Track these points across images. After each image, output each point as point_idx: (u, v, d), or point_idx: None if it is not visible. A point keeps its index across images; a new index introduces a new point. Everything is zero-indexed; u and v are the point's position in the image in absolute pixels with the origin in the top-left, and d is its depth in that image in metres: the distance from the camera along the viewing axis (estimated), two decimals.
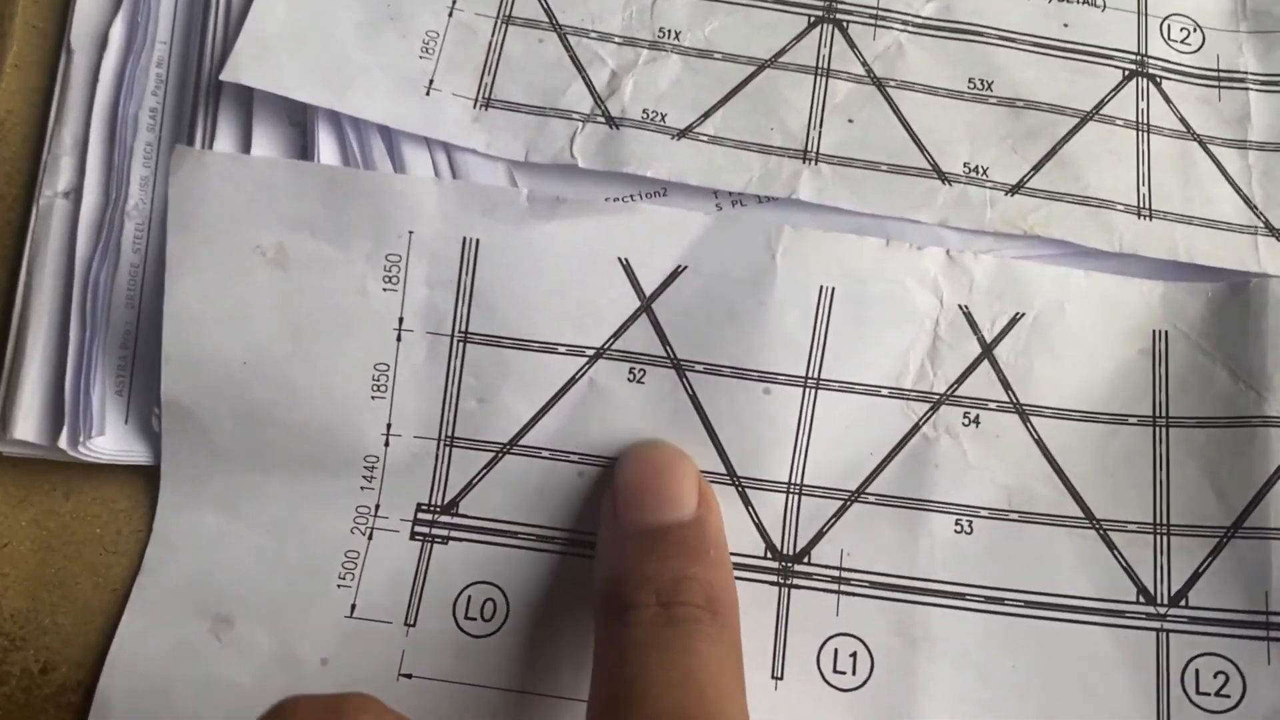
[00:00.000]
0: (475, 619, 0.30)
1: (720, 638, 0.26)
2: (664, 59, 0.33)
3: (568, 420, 0.31)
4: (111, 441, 0.31)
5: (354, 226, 0.31)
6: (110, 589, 0.31)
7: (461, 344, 0.31)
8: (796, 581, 0.30)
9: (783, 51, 0.33)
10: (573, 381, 0.31)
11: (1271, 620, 0.29)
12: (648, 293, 0.31)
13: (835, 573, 0.30)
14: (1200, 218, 0.32)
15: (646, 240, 0.31)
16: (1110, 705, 0.29)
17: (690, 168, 0.32)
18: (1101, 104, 0.33)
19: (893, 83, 0.33)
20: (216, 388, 0.30)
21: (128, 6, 0.34)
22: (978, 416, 0.31)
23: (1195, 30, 0.35)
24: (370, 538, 0.31)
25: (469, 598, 0.30)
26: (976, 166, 0.32)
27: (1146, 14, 0.35)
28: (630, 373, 0.31)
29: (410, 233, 0.31)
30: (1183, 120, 0.34)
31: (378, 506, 0.31)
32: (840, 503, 0.30)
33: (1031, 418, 0.31)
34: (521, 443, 0.31)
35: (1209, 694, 0.29)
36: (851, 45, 0.34)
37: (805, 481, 0.30)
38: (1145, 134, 0.33)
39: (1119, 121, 0.33)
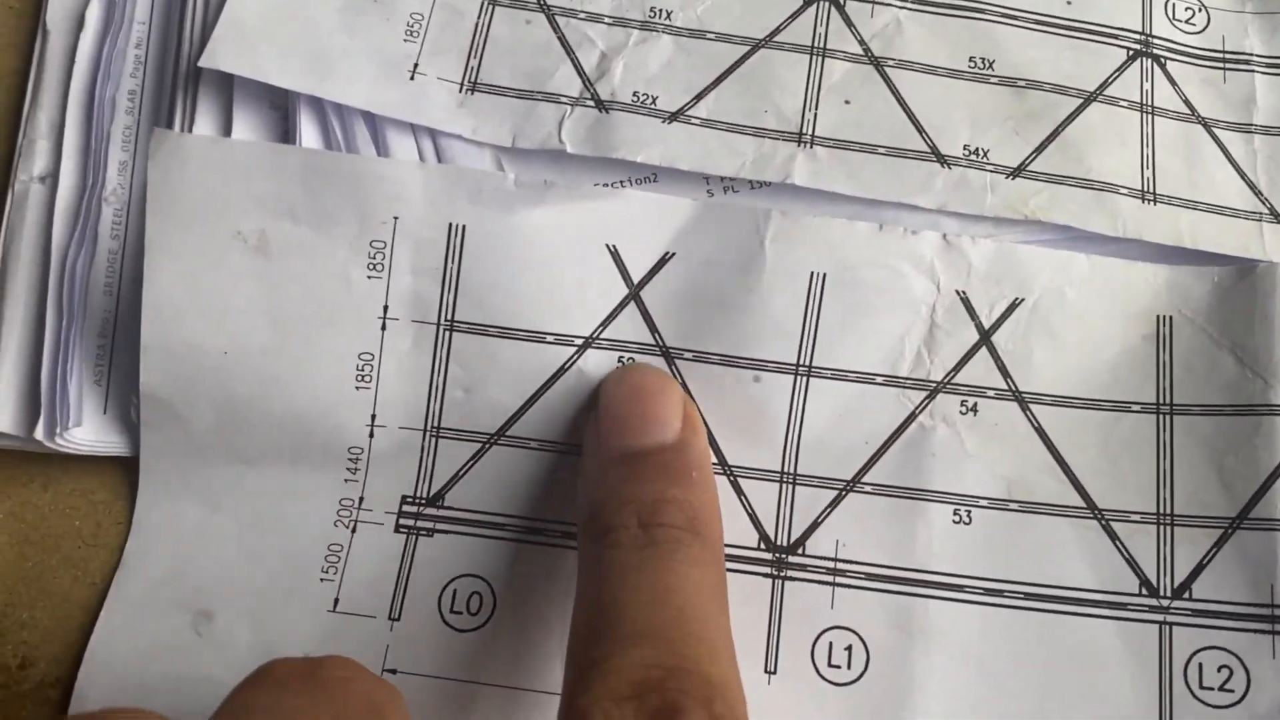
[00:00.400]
0: (461, 612, 0.30)
1: (702, 559, 0.27)
2: (655, 39, 0.33)
3: (556, 410, 0.31)
4: (89, 432, 0.31)
5: (337, 212, 0.31)
6: (89, 582, 0.31)
7: (448, 333, 0.31)
8: (790, 573, 0.30)
9: (777, 30, 0.34)
10: (561, 371, 0.31)
11: (1277, 613, 0.29)
12: (636, 280, 0.31)
13: (830, 564, 0.30)
14: (1205, 203, 0.32)
15: (634, 227, 0.31)
16: (1112, 700, 0.29)
17: (682, 152, 0.32)
18: (1105, 85, 0.33)
19: (890, 62, 0.33)
20: (196, 377, 0.30)
21: None
22: (976, 405, 0.31)
23: (1200, 10, 0.35)
24: (354, 531, 0.31)
25: (455, 591, 0.30)
26: (977, 149, 0.32)
27: None
28: (619, 361, 0.31)
29: (395, 218, 0.31)
30: (1187, 103, 0.34)
31: (362, 499, 0.31)
32: (835, 492, 0.30)
33: (1031, 405, 0.31)
34: (509, 433, 0.31)
35: (1213, 688, 0.29)
36: (849, 23, 0.34)
37: (799, 471, 0.31)
38: (1149, 116, 0.33)
39: (1123, 103, 0.33)
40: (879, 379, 0.31)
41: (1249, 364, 0.30)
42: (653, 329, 0.31)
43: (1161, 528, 0.30)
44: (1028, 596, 0.30)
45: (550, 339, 0.31)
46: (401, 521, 0.31)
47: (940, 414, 0.31)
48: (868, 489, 0.31)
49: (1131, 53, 0.34)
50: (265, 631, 0.30)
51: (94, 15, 0.34)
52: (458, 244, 0.31)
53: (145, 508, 0.31)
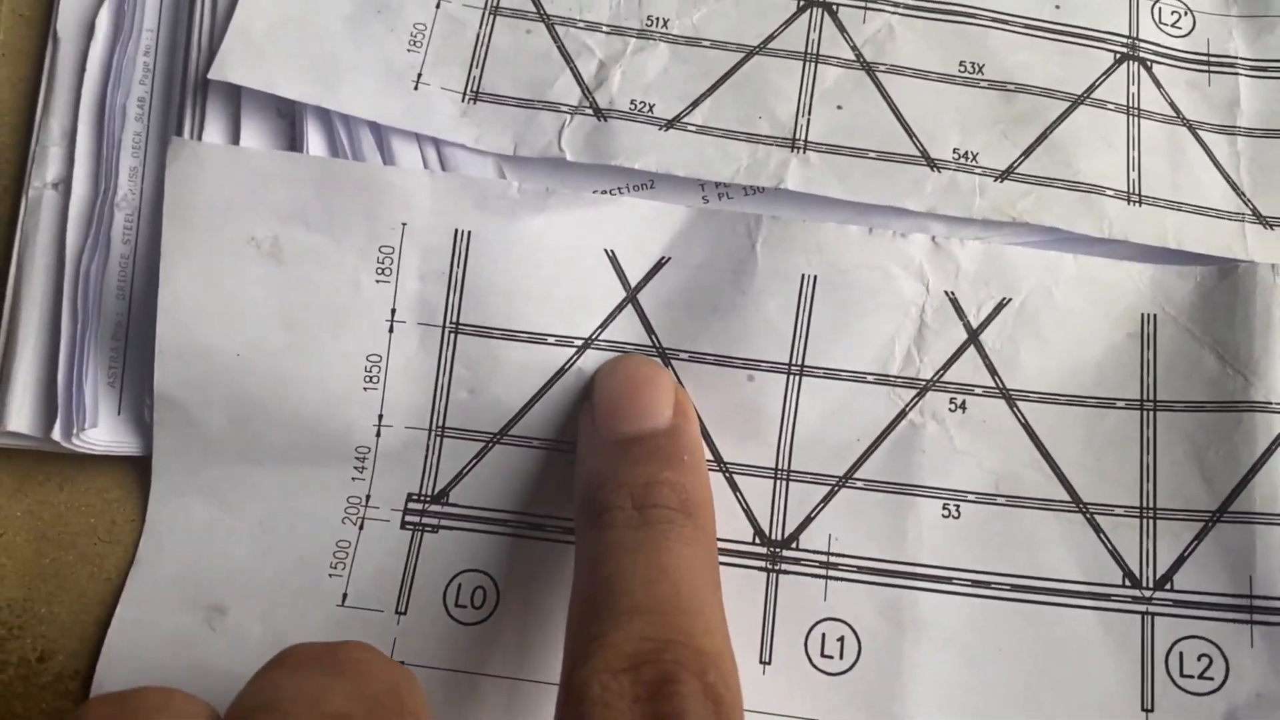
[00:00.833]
0: (465, 606, 0.32)
1: (694, 539, 0.28)
2: (652, 48, 0.35)
3: (558, 410, 0.33)
4: (104, 433, 0.33)
5: (347, 218, 0.32)
6: (105, 578, 0.33)
7: (453, 335, 0.33)
8: (785, 567, 0.32)
9: (772, 37, 0.35)
10: (562, 372, 0.33)
11: (1255, 604, 0.31)
12: (633, 284, 0.33)
13: (823, 558, 0.32)
14: (1189, 204, 0.34)
15: (631, 232, 0.33)
16: (1095, 688, 0.31)
17: (677, 159, 0.33)
18: (1092, 88, 0.35)
19: (882, 67, 0.35)
20: (209, 379, 0.32)
21: None
22: (964, 402, 0.32)
23: (1186, 14, 0.36)
24: (361, 527, 0.32)
25: (459, 586, 0.32)
26: (966, 152, 0.34)
27: None
28: None
29: (403, 225, 0.32)
30: (1173, 105, 0.35)
31: (369, 497, 0.33)
32: (828, 488, 0.32)
33: (1018, 402, 0.32)
34: (512, 433, 0.33)
35: (1193, 676, 0.31)
36: (841, 29, 0.35)
37: (792, 467, 0.32)
38: (1136, 118, 0.35)
39: (1110, 106, 0.35)
40: (870, 378, 0.33)
41: (1230, 362, 0.32)
42: (649, 330, 0.33)
43: (1144, 521, 0.32)
44: (1014, 588, 0.32)
45: (551, 340, 0.33)
46: (407, 518, 0.33)
47: (930, 411, 0.32)
48: (859, 485, 0.32)
49: (1118, 56, 0.35)
50: (276, 625, 0.32)
51: (104, 23, 0.35)
52: (463, 249, 0.33)
53: (158, 506, 0.33)
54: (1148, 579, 0.31)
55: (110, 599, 0.32)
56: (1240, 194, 0.34)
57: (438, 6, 0.35)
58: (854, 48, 0.35)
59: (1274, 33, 0.36)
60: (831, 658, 0.31)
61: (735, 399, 0.32)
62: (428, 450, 0.33)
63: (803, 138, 0.34)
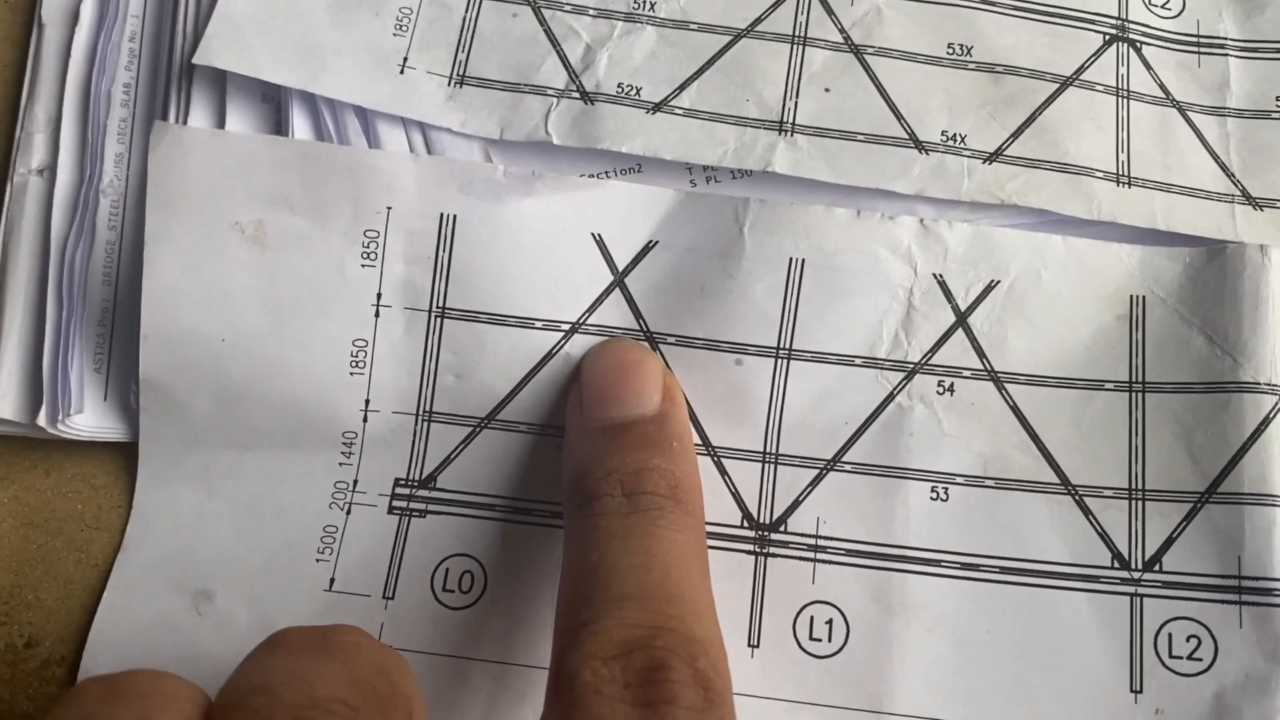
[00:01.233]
0: (453, 591, 0.32)
1: (684, 525, 0.29)
2: (639, 31, 0.35)
3: (545, 395, 0.33)
4: (90, 419, 0.33)
5: (332, 202, 0.33)
6: (92, 564, 0.33)
7: (439, 320, 0.33)
8: (773, 550, 0.32)
9: (759, 20, 0.36)
10: (549, 356, 0.33)
11: (1244, 585, 0.31)
12: (620, 268, 0.33)
13: (811, 541, 0.32)
14: (1178, 185, 0.34)
15: (618, 216, 0.33)
16: (1084, 669, 0.31)
17: (664, 143, 0.34)
18: (1081, 69, 0.35)
19: (870, 49, 0.35)
20: (195, 364, 0.32)
21: None
22: (952, 385, 0.33)
23: None
24: (348, 512, 0.33)
25: (447, 570, 0.33)
26: (954, 134, 0.34)
27: None
28: None
29: (388, 209, 0.33)
30: (1162, 87, 0.36)
31: (356, 482, 0.33)
32: (816, 471, 0.33)
33: (1007, 385, 0.33)
34: (499, 417, 0.33)
35: (1181, 657, 0.31)
36: (829, 12, 0.36)
37: (781, 451, 0.33)
38: (1125, 100, 0.35)
39: (1099, 87, 0.35)
40: (858, 361, 0.33)
41: (1219, 343, 0.32)
42: (637, 315, 0.33)
43: (1133, 502, 0.32)
44: (1003, 570, 0.32)
45: (538, 325, 0.33)
46: (395, 503, 0.33)
47: (918, 394, 0.33)
48: (848, 468, 0.33)
49: (1108, 37, 0.36)
50: (263, 610, 0.32)
51: (88, 9, 0.36)
52: (449, 233, 0.33)
53: (144, 491, 0.33)
54: (1136, 560, 0.32)
55: (97, 585, 0.33)
56: (1230, 175, 0.35)
57: None
58: (842, 30, 0.36)
59: (1264, 14, 0.37)
60: (820, 640, 0.32)
61: (723, 383, 0.33)
62: (415, 435, 0.33)
63: (790, 121, 0.34)
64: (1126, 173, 0.34)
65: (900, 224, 0.33)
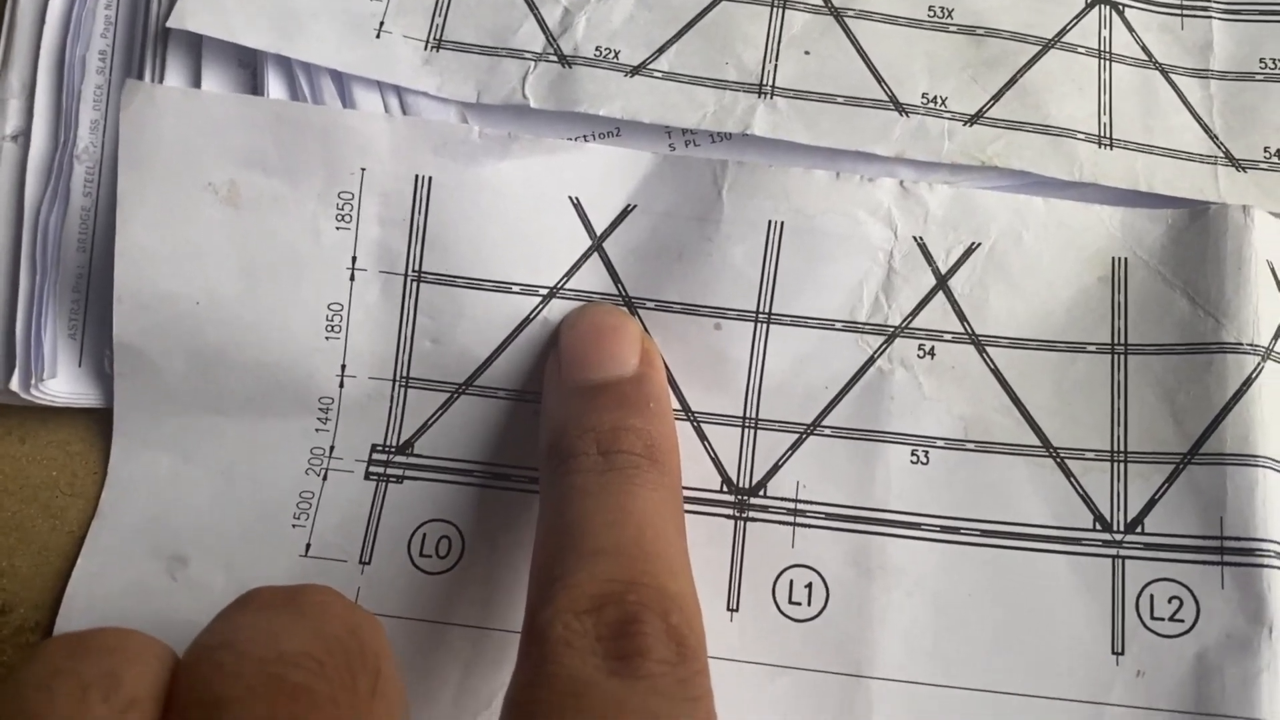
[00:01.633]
0: (430, 556, 0.33)
1: (659, 484, 0.29)
2: None
3: (523, 360, 0.33)
4: (64, 384, 0.33)
5: (305, 163, 0.33)
6: (67, 531, 0.33)
7: (415, 284, 0.33)
8: (752, 514, 0.32)
9: None
10: (527, 321, 0.33)
11: (1226, 545, 0.31)
12: (598, 232, 0.33)
13: (791, 505, 0.32)
14: (1161, 147, 0.34)
15: (596, 179, 0.33)
16: (1066, 631, 0.31)
17: (643, 106, 0.34)
18: (1063, 32, 0.36)
19: (851, 12, 0.36)
20: (169, 328, 0.32)
21: None
22: (933, 348, 0.33)
23: None
24: (325, 478, 0.33)
25: (424, 535, 0.33)
26: (935, 97, 0.35)
27: None
28: None
29: (362, 170, 0.33)
30: (1145, 49, 0.36)
31: (332, 448, 0.33)
32: (796, 436, 0.33)
33: (988, 348, 0.33)
34: (477, 383, 0.33)
35: (1163, 618, 0.31)
36: None
37: (760, 415, 0.33)
38: (1107, 62, 0.35)
39: (1080, 50, 0.35)
40: (838, 325, 0.33)
41: (1201, 304, 0.33)
42: (616, 279, 0.33)
43: (1115, 464, 0.32)
44: (984, 534, 0.32)
45: (516, 289, 0.33)
46: (371, 469, 0.33)
47: (898, 358, 0.33)
48: (827, 432, 0.33)
49: (1089, 0, 0.36)
50: (238, 576, 0.32)
51: None
52: (424, 196, 0.33)
53: (120, 457, 0.33)
54: (1118, 522, 0.32)
55: (72, 551, 0.33)
56: (1212, 137, 0.35)
57: None
58: None
59: None
60: (799, 604, 0.32)
61: (702, 347, 0.33)
62: (392, 400, 0.33)
63: (770, 83, 0.34)
64: (1108, 134, 0.34)
65: (880, 186, 0.33)
